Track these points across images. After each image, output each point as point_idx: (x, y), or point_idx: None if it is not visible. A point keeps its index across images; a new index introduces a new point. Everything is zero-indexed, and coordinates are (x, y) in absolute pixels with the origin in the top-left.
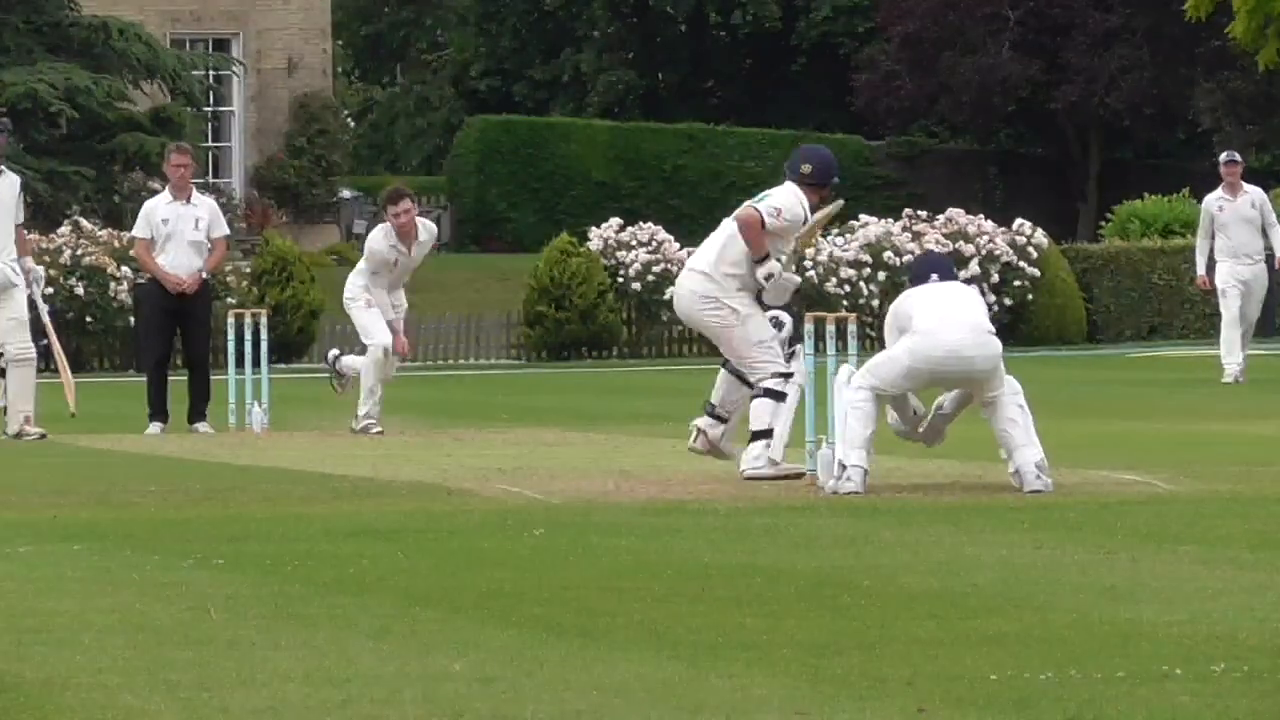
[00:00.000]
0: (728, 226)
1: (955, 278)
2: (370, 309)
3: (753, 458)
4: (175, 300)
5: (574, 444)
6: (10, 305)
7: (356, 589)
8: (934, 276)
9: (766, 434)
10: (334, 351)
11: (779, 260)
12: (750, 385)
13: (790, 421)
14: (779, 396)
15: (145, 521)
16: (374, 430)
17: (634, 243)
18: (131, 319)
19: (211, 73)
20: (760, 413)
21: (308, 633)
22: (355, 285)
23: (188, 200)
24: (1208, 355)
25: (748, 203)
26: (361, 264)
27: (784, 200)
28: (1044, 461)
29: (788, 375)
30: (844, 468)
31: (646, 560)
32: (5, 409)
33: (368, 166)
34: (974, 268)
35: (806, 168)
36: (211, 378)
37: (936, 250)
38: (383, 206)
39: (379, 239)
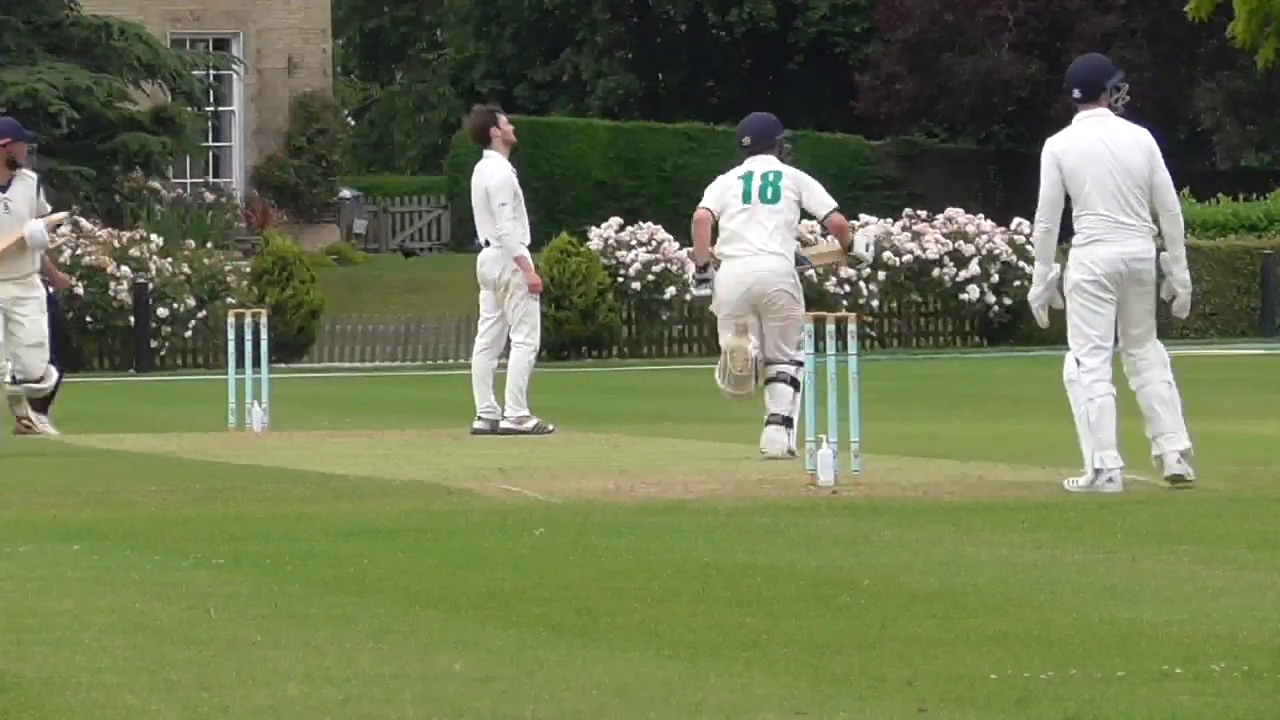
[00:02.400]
0: (783, 215)
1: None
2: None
3: (782, 442)
4: None
5: (574, 444)
6: (29, 326)
7: (356, 589)
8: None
9: (791, 421)
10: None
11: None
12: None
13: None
14: (799, 386)
15: (145, 521)
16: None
17: (634, 242)
18: (132, 319)
19: (212, 72)
20: (791, 399)
21: (308, 632)
22: (517, 239)
23: None
24: (1208, 355)
25: (830, 202)
26: (502, 205)
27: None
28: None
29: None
30: (1099, 472)
31: (646, 560)
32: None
33: (367, 166)
34: (974, 267)
35: (747, 139)
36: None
37: None
38: (483, 132)
39: (504, 165)
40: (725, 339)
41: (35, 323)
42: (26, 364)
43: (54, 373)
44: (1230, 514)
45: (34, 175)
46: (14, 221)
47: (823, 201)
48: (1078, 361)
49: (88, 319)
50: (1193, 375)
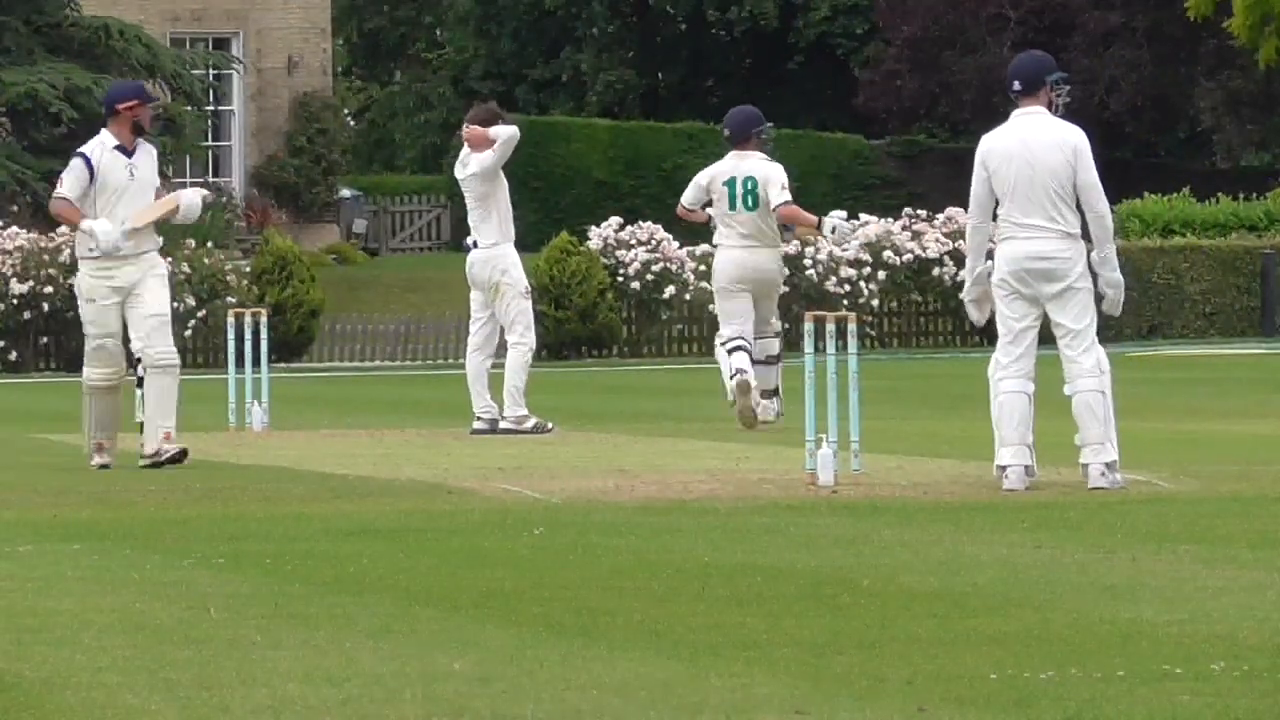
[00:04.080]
0: (763, 217)
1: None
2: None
3: (773, 409)
4: None
5: (574, 444)
6: (149, 298)
7: (356, 588)
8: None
9: (778, 390)
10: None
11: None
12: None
13: None
14: (781, 359)
15: (145, 521)
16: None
17: (634, 242)
18: None
19: (212, 72)
20: (776, 374)
21: (308, 632)
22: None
23: None
24: (1208, 355)
25: (781, 196)
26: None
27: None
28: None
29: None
30: (999, 468)
31: (646, 560)
32: (143, 425)
33: (367, 165)
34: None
35: (726, 132)
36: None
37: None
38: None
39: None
40: (724, 337)
41: (155, 294)
42: (148, 336)
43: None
44: (1230, 514)
45: (155, 145)
46: (141, 189)
47: (776, 195)
48: (997, 360)
49: None
50: (1193, 375)
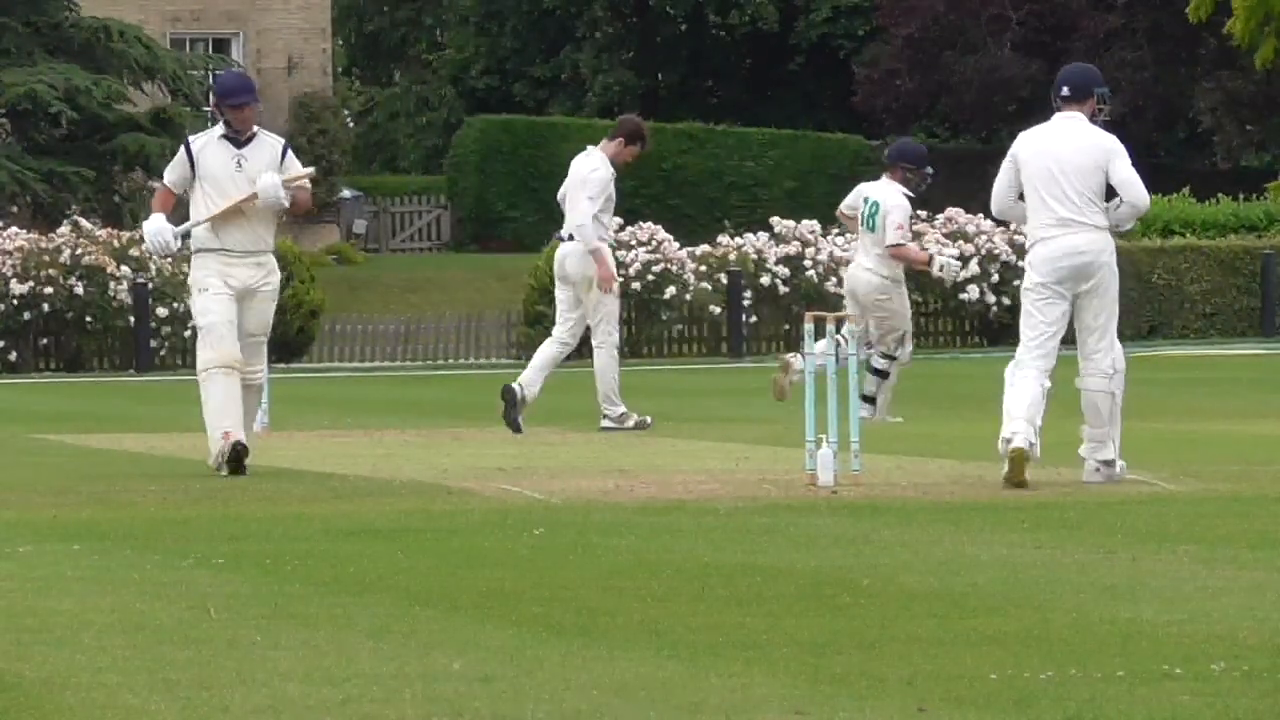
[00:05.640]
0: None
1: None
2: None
3: (864, 415)
4: None
5: (574, 444)
6: (252, 318)
7: (356, 589)
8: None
9: (873, 400)
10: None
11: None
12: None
13: None
14: (885, 376)
15: (145, 521)
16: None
17: (634, 242)
18: (132, 319)
19: (211, 73)
20: (875, 384)
21: (308, 632)
22: (596, 233)
23: None
24: (1208, 355)
25: (889, 238)
26: (590, 198)
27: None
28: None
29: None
30: (1111, 464)
31: (646, 560)
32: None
33: (367, 166)
34: (974, 267)
35: (885, 151)
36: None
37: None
38: (623, 133)
39: (607, 165)
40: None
41: (261, 314)
42: (247, 359)
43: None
44: (1230, 514)
45: (279, 140)
46: (248, 182)
47: (890, 236)
48: (1019, 360)
49: (87, 319)
50: (1193, 375)
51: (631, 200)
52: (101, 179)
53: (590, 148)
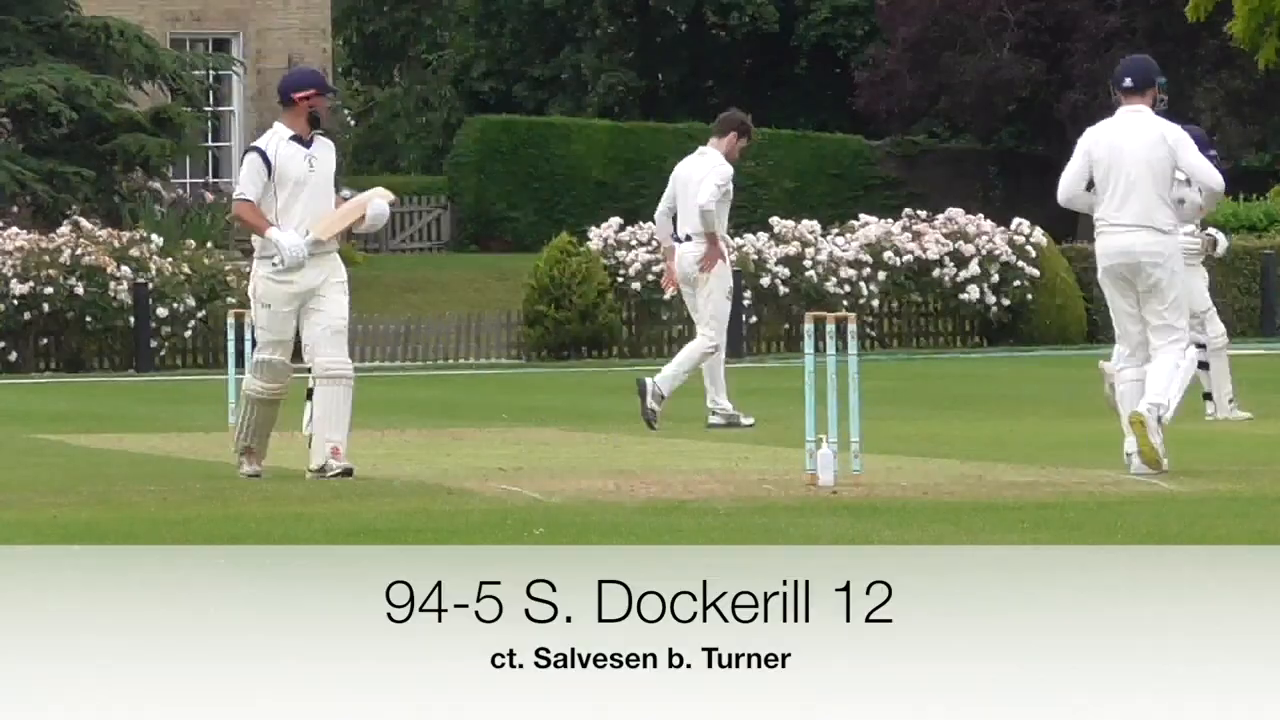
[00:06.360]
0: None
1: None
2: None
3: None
4: None
5: (574, 444)
6: (329, 309)
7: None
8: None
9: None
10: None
11: None
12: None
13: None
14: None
15: (145, 521)
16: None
17: (634, 242)
18: (132, 319)
19: (211, 73)
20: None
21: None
22: (718, 219)
23: None
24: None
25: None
26: (718, 185)
27: None
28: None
29: None
30: (1156, 408)
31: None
32: (310, 437)
33: (368, 166)
34: (974, 267)
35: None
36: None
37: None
38: (727, 130)
39: (724, 162)
40: None
41: (336, 303)
42: (325, 349)
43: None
44: (1230, 514)
45: (332, 143)
46: (320, 184)
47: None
48: (1119, 352)
49: (87, 319)
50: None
51: (631, 200)
52: (101, 179)
53: (702, 149)
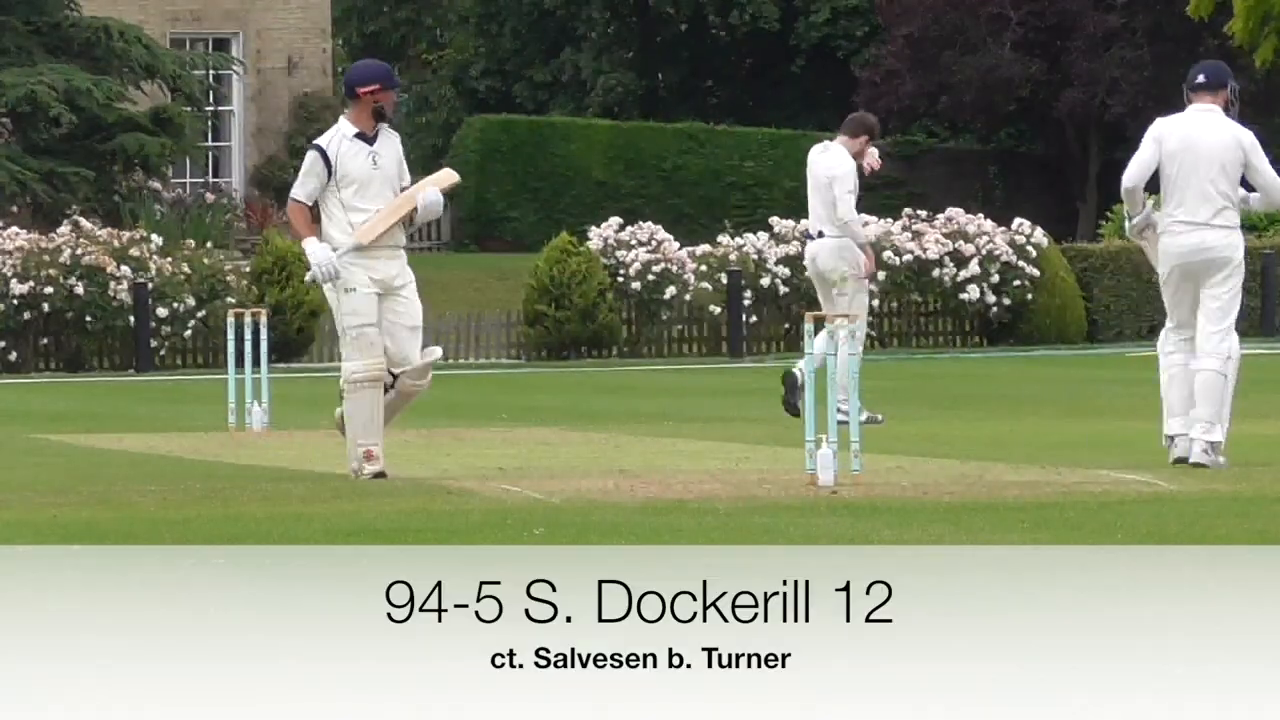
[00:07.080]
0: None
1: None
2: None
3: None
4: None
5: (574, 444)
6: (408, 308)
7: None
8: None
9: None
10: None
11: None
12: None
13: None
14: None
15: (145, 521)
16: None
17: (634, 242)
18: (132, 319)
19: (211, 72)
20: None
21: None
22: (861, 224)
23: None
24: None
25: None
26: (849, 192)
27: None
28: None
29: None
30: (1213, 449)
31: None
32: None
33: None
34: (974, 267)
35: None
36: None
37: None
38: (858, 131)
39: (849, 157)
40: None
41: (414, 302)
42: (405, 350)
43: (437, 350)
44: (1230, 514)
45: (396, 134)
46: (384, 180)
47: None
48: (1167, 335)
49: (87, 319)
50: None
51: (632, 200)
52: (101, 179)
53: (828, 143)
